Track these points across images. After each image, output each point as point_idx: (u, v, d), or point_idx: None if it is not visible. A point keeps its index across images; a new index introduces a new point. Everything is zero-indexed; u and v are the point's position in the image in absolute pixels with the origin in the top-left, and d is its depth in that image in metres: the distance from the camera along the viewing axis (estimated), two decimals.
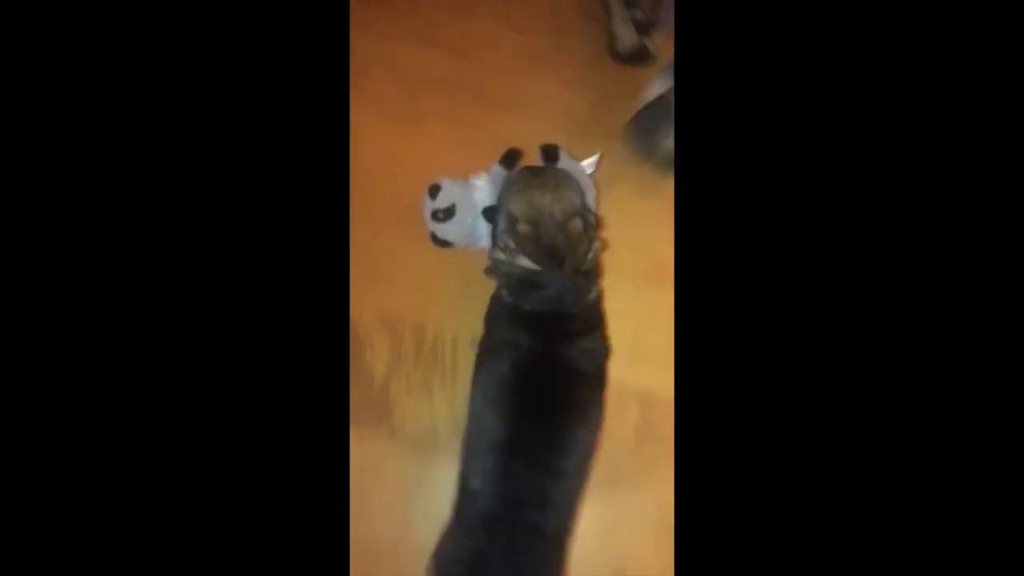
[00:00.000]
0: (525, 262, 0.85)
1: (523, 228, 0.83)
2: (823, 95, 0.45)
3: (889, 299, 0.44)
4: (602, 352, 0.89)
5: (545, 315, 0.85)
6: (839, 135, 0.45)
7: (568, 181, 0.87)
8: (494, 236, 0.88)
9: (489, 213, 0.93)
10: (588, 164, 1.02)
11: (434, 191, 0.98)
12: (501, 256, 0.87)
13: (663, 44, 1.21)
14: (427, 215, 0.99)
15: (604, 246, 0.90)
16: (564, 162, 0.98)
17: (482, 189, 0.98)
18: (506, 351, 0.85)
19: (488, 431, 0.83)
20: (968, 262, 0.43)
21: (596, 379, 0.87)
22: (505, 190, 0.88)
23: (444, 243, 1.00)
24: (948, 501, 0.42)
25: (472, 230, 0.98)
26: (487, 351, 0.89)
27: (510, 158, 0.99)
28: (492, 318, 0.91)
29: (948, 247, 0.43)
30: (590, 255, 0.86)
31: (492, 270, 0.88)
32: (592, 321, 0.89)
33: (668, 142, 1.08)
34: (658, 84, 1.09)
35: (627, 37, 1.19)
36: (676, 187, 0.53)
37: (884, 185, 0.44)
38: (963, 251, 0.43)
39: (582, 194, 0.87)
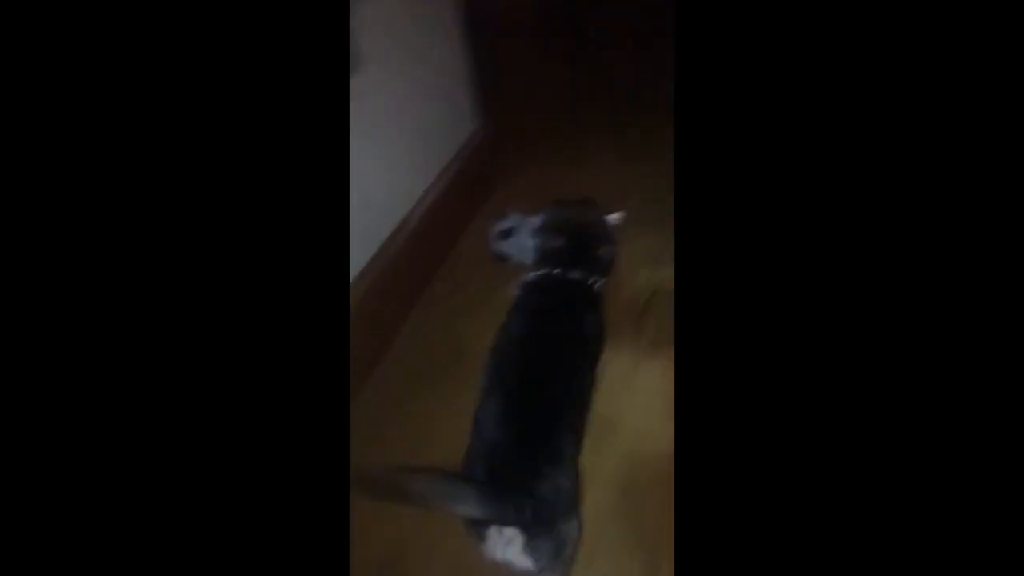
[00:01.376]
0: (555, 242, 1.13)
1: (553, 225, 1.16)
2: (827, 114, 0.45)
3: (889, 310, 0.44)
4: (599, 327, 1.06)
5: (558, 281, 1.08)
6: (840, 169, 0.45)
7: (593, 207, 1.20)
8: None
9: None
10: (613, 218, 1.23)
11: (501, 217, 1.30)
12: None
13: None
14: (493, 235, 1.29)
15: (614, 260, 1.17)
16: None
17: (533, 222, 1.25)
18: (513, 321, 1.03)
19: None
20: (967, 286, 0.43)
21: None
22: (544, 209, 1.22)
23: (502, 257, 1.29)
24: (946, 510, 0.42)
25: (523, 247, 1.25)
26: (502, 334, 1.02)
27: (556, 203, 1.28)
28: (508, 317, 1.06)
29: (949, 270, 0.43)
30: (605, 254, 1.14)
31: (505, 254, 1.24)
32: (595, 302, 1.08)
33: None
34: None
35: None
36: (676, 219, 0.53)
37: (890, 233, 0.44)
38: (962, 276, 0.43)
39: (604, 220, 1.19)
